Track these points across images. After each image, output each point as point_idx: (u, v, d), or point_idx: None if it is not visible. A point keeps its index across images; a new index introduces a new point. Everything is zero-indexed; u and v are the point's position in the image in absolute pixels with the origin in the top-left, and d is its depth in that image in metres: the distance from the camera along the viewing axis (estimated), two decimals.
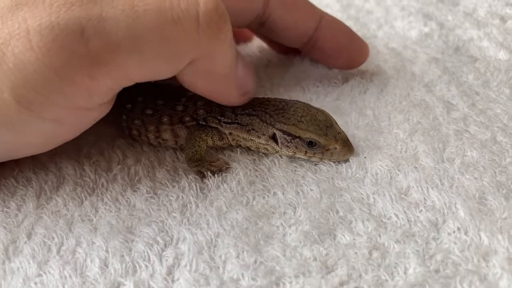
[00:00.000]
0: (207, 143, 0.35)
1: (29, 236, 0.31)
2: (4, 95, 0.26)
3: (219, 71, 0.31)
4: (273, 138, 0.34)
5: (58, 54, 0.25)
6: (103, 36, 0.25)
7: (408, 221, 0.29)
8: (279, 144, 0.33)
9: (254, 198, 0.32)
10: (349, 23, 0.52)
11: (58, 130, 0.29)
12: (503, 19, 0.49)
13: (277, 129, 0.33)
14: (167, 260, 0.28)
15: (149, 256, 0.29)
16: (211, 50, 0.29)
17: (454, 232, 0.28)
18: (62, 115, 0.28)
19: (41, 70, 0.25)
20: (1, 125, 0.27)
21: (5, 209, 0.33)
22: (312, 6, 0.42)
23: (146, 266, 0.28)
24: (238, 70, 0.32)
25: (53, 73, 0.25)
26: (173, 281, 0.27)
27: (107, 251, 0.29)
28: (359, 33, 0.46)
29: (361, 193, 0.31)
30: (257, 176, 0.34)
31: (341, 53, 0.42)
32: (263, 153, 0.35)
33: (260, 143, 0.34)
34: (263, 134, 0.34)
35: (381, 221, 0.30)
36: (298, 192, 0.32)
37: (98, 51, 0.25)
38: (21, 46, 0.25)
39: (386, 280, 0.26)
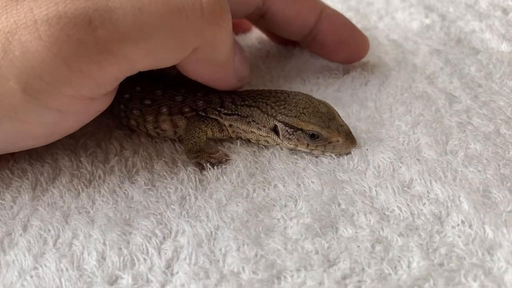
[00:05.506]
0: (206, 134, 0.34)
1: (24, 228, 0.30)
2: (9, 83, 0.26)
3: (219, 58, 0.31)
4: (274, 130, 0.33)
5: (66, 43, 0.25)
6: (110, 26, 0.25)
7: (411, 214, 0.29)
8: (281, 137, 0.33)
9: (254, 191, 0.31)
10: (349, 14, 0.52)
11: (62, 120, 0.29)
12: (505, 11, 0.49)
13: (279, 121, 0.32)
14: (166, 253, 0.28)
15: (147, 249, 0.28)
16: (213, 38, 0.29)
17: (458, 225, 0.28)
18: (67, 104, 0.28)
19: (48, 58, 0.25)
20: (5, 115, 0.27)
21: (0, 201, 0.32)
22: None
23: (144, 259, 0.28)
24: (235, 57, 0.34)
25: (61, 62, 0.25)
26: (172, 274, 0.27)
27: (104, 243, 0.29)
28: (360, 25, 0.46)
29: (363, 186, 0.31)
30: (257, 168, 0.33)
31: (341, 47, 0.42)
32: (263, 145, 0.35)
33: (260, 135, 0.34)
34: (264, 126, 0.33)
35: (384, 214, 0.29)
36: (299, 184, 0.31)
37: (105, 41, 0.26)
38: (29, 35, 0.25)
39: (390, 274, 0.26)
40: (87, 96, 0.28)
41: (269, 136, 0.33)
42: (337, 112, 0.33)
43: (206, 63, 0.31)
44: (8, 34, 0.25)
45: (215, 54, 0.31)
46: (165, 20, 0.27)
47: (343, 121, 0.33)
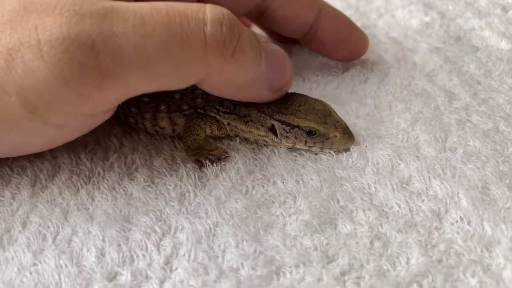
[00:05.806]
0: (205, 131, 0.34)
1: (24, 225, 0.30)
2: (11, 98, 0.26)
3: (239, 83, 0.30)
4: (272, 129, 0.33)
5: (68, 66, 0.25)
6: (113, 51, 0.25)
7: (410, 210, 0.29)
8: (278, 135, 0.33)
9: (253, 187, 0.31)
10: (349, 12, 0.52)
11: (60, 133, 0.30)
12: (504, 9, 0.49)
13: (276, 119, 0.32)
14: (165, 250, 0.28)
15: (146, 245, 0.28)
16: (222, 69, 0.28)
17: (456, 222, 0.28)
18: (67, 120, 0.28)
19: (50, 79, 0.25)
20: (5, 126, 0.27)
21: (0, 197, 0.32)
22: None
23: (143, 255, 0.28)
24: (263, 71, 0.30)
25: (62, 83, 0.25)
26: (171, 270, 0.27)
27: (103, 240, 0.29)
28: (359, 22, 0.46)
29: (362, 183, 0.31)
30: (256, 165, 0.33)
31: (340, 45, 0.42)
32: (262, 144, 0.35)
33: (259, 134, 0.34)
34: (262, 126, 0.33)
35: (383, 210, 0.29)
36: (298, 181, 0.31)
37: (107, 65, 0.25)
38: (31, 54, 0.25)
39: (388, 270, 0.26)
40: (87, 113, 0.28)
41: (267, 136, 0.33)
42: (333, 109, 0.33)
43: (224, 87, 0.30)
44: (11, 51, 0.25)
45: (231, 81, 0.30)
46: (168, 49, 0.26)
47: (339, 117, 0.33)
